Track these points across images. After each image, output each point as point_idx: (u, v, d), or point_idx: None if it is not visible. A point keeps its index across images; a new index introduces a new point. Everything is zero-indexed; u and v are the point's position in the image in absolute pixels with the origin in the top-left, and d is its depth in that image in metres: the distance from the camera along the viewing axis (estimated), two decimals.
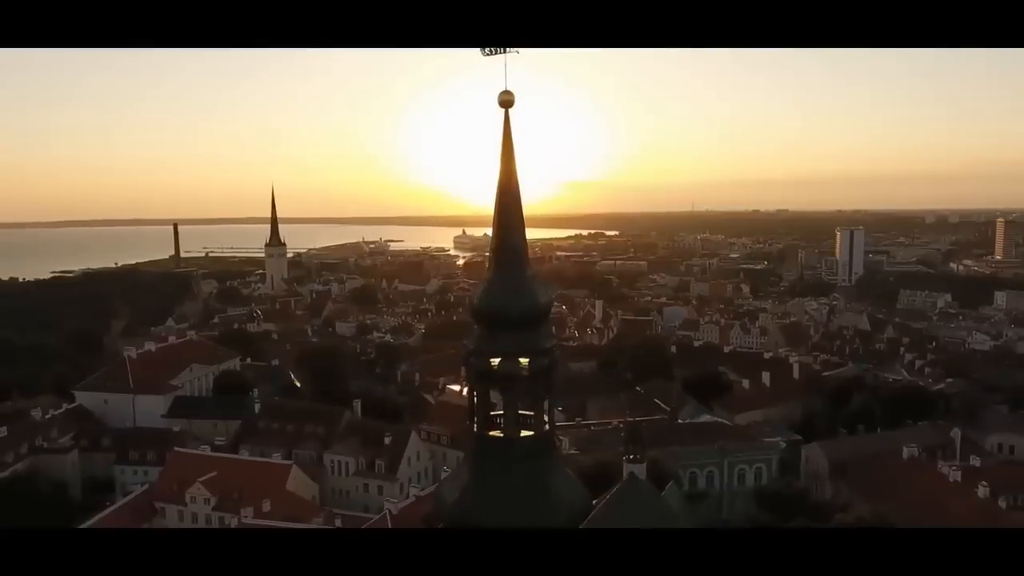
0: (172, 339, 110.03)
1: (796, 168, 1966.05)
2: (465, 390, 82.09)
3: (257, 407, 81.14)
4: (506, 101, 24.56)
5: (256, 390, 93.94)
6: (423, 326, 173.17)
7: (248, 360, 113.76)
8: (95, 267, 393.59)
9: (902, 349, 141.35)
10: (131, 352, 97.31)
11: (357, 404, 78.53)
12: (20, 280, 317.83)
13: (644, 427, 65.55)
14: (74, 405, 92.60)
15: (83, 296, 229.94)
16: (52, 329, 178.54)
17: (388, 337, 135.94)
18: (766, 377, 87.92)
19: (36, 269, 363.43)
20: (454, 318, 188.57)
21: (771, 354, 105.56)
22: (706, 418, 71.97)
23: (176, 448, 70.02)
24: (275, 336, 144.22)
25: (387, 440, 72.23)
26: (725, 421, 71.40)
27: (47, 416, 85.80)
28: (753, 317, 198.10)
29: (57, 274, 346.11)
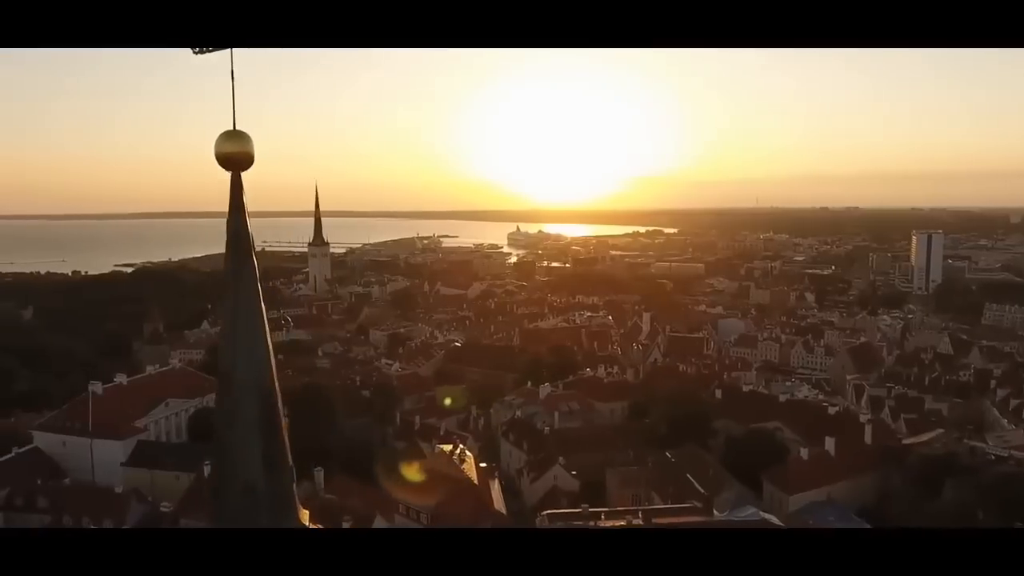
0: (151, 369, 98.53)
1: (868, 163, 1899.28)
2: (454, 450, 64.39)
3: (207, 469, 68.46)
4: (229, 157, 11.23)
5: None
6: (459, 338, 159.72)
7: None
8: (155, 260, 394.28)
9: (993, 383, 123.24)
10: (96, 387, 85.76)
11: (320, 474, 65.29)
12: (82, 274, 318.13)
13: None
14: (30, 447, 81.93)
15: (130, 294, 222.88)
16: (93, 330, 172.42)
17: (396, 367, 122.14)
18: (830, 443, 70.97)
19: (102, 262, 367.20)
20: (492, 326, 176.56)
21: (837, 407, 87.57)
22: (750, 512, 56.07)
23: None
24: (280, 357, 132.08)
25: (345, 525, 58.74)
26: (774, 519, 55.38)
27: None
28: (818, 334, 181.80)
29: (118, 267, 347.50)
